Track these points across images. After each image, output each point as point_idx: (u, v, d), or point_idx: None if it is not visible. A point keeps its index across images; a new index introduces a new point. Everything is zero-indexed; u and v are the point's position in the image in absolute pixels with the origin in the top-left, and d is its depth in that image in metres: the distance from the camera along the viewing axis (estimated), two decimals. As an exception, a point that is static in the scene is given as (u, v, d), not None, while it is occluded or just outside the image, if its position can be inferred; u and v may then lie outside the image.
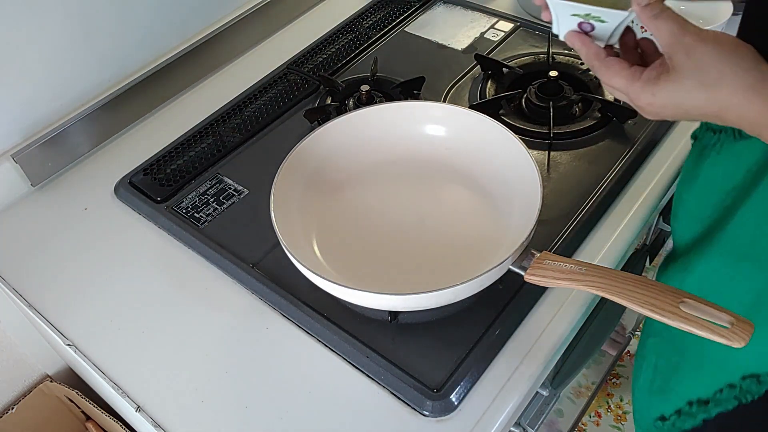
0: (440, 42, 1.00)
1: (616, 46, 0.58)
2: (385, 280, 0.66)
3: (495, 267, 0.58)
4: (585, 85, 0.88)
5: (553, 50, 0.93)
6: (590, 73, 0.90)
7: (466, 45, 0.99)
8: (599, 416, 1.47)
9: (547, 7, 0.54)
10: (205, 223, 0.77)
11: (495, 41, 0.98)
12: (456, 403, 0.59)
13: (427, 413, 0.59)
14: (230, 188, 0.81)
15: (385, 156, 0.76)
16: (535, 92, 0.85)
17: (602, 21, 0.54)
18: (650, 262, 1.01)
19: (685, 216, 0.72)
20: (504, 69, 0.92)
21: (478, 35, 1.00)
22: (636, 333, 1.57)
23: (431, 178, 0.75)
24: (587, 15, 0.54)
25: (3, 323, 0.86)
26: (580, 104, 0.86)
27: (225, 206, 0.79)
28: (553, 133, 0.81)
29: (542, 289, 0.67)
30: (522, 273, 0.59)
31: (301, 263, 0.60)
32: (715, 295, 0.56)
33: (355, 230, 0.71)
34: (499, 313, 0.65)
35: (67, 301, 0.73)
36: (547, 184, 0.77)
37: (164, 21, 0.93)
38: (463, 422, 0.59)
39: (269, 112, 0.91)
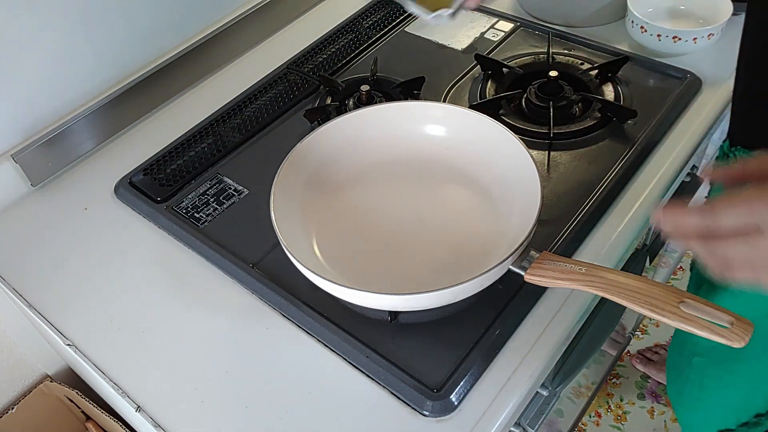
0: (440, 42, 1.00)
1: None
2: (385, 280, 0.66)
3: (495, 267, 0.58)
4: (585, 85, 0.88)
5: (553, 50, 0.93)
6: (590, 73, 0.90)
7: (466, 45, 0.99)
8: (599, 416, 1.47)
9: None
10: (205, 223, 0.77)
11: (495, 41, 0.98)
12: (456, 403, 0.59)
13: (427, 413, 0.59)
14: (230, 188, 0.81)
15: (385, 156, 0.76)
16: (535, 92, 0.85)
17: None
18: (650, 262, 1.01)
19: None
20: (504, 69, 0.92)
21: (478, 35, 1.00)
22: (636, 333, 1.57)
23: (431, 178, 0.75)
24: None
25: (3, 323, 0.86)
26: (580, 104, 0.86)
27: (225, 206, 0.79)
28: (553, 133, 0.81)
29: (542, 289, 0.67)
30: (522, 273, 0.59)
31: (301, 263, 0.60)
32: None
33: (355, 230, 0.71)
34: (499, 313, 0.65)
35: (67, 301, 0.73)
36: (547, 184, 0.77)
37: (164, 21, 0.93)
38: (463, 422, 0.59)
39: (269, 112, 0.91)
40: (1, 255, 0.79)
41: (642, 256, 0.93)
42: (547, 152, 0.81)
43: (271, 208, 0.65)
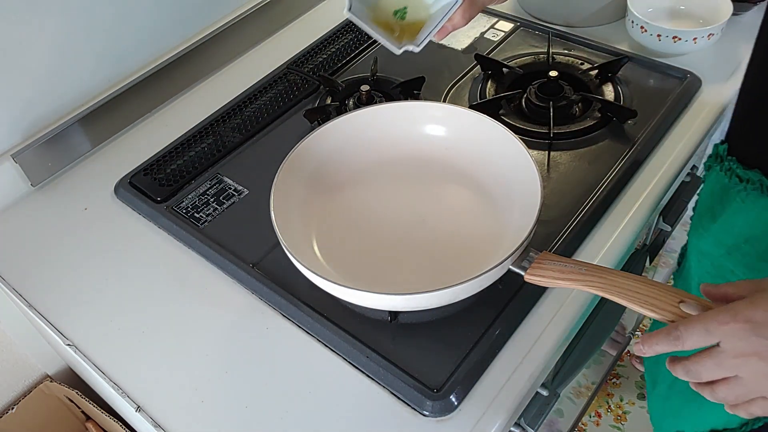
0: (440, 42, 1.00)
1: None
2: (385, 280, 0.66)
3: (495, 267, 0.58)
4: (585, 85, 0.88)
5: (553, 50, 0.93)
6: (590, 73, 0.90)
7: (466, 45, 0.99)
8: (599, 416, 1.47)
9: None
10: (205, 223, 0.77)
11: (495, 41, 0.98)
12: (456, 403, 0.59)
13: (427, 413, 0.59)
14: (230, 188, 0.81)
15: (385, 156, 0.76)
16: (535, 92, 0.85)
17: None
18: (650, 262, 1.01)
19: (696, 250, 0.73)
20: (504, 69, 0.92)
21: (478, 35, 1.00)
22: (636, 333, 1.57)
23: (431, 178, 0.75)
24: None
25: (3, 323, 0.86)
26: (580, 104, 0.86)
27: (225, 206, 0.79)
28: (553, 133, 0.81)
29: (542, 289, 0.67)
30: (522, 273, 0.59)
31: (301, 263, 0.60)
32: None
33: (355, 230, 0.71)
34: (499, 313, 0.65)
35: (67, 301, 0.73)
36: (547, 184, 0.77)
37: (164, 21, 0.93)
38: (463, 422, 0.59)
39: (269, 112, 0.91)
40: (1, 255, 0.79)
41: (642, 256, 0.93)
42: (547, 152, 0.81)
43: (271, 208, 0.65)
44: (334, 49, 1.00)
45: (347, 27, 1.04)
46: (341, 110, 0.87)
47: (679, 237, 1.65)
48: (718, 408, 0.72)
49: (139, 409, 0.63)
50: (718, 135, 1.34)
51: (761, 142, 0.64)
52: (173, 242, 0.77)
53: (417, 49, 0.57)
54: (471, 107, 0.76)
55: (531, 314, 0.66)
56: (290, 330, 0.68)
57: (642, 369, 1.52)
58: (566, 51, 0.95)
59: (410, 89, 0.90)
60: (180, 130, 0.89)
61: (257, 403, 0.62)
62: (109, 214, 0.82)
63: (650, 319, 0.50)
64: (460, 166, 0.75)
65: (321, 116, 0.87)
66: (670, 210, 0.91)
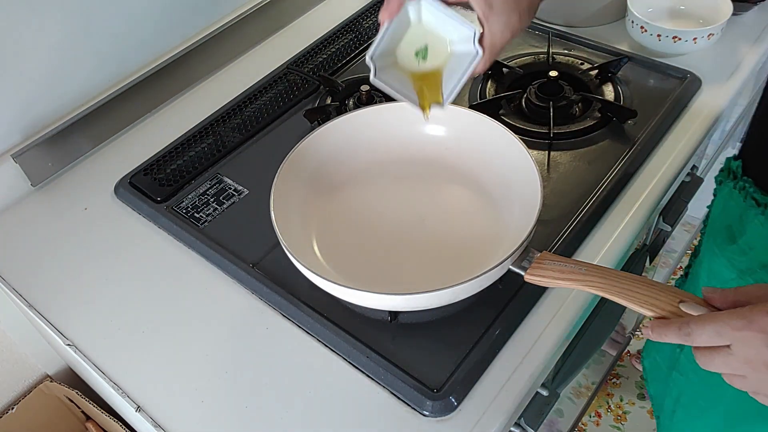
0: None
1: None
2: (385, 280, 0.66)
3: (495, 267, 0.58)
4: (585, 85, 0.88)
5: (553, 50, 0.93)
6: (590, 73, 0.90)
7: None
8: (599, 416, 1.47)
9: None
10: (205, 223, 0.77)
11: (495, 41, 0.98)
12: (456, 403, 0.59)
13: (427, 413, 0.59)
14: (230, 188, 0.81)
15: (385, 156, 0.76)
16: (535, 92, 0.85)
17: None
18: (650, 262, 1.01)
19: (708, 267, 0.73)
20: (504, 69, 0.92)
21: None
22: (636, 333, 1.57)
23: (431, 178, 0.75)
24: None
25: (3, 323, 0.86)
26: (580, 104, 0.86)
27: (225, 206, 0.79)
28: (553, 133, 0.81)
29: (542, 289, 0.67)
30: (522, 273, 0.59)
31: (301, 263, 0.60)
32: None
33: (355, 230, 0.71)
34: (499, 313, 0.65)
35: (67, 300, 0.73)
36: (547, 184, 0.77)
37: (164, 21, 0.93)
38: (463, 422, 0.59)
39: (269, 112, 0.91)
40: (1, 255, 0.79)
41: (642, 256, 0.93)
42: (547, 152, 0.81)
43: (271, 208, 0.65)
44: (334, 49, 1.00)
45: (347, 27, 1.04)
46: (341, 110, 0.87)
47: (679, 237, 1.66)
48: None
49: (139, 409, 0.63)
50: (718, 135, 1.35)
51: None
52: (173, 242, 0.77)
53: (443, 109, 0.59)
54: (471, 107, 0.76)
55: (531, 314, 0.66)
56: (290, 330, 0.67)
57: (641, 369, 1.52)
58: (566, 51, 0.95)
59: (410, 89, 0.89)
60: (180, 130, 0.89)
61: (257, 403, 0.62)
62: (109, 214, 0.82)
63: (650, 319, 0.50)
64: (460, 166, 0.75)
65: (321, 116, 0.87)
66: (670, 210, 0.91)
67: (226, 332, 0.68)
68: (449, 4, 0.55)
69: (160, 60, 0.93)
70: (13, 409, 0.90)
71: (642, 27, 0.90)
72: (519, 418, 0.72)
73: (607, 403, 1.50)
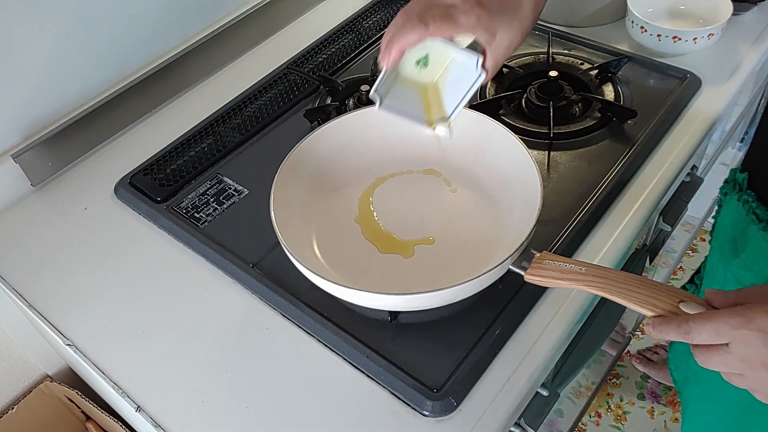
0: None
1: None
2: (385, 280, 0.66)
3: (495, 267, 0.58)
4: (585, 85, 0.88)
5: (553, 50, 0.93)
6: (590, 73, 0.90)
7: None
8: (599, 416, 1.47)
9: None
10: (205, 223, 0.77)
11: (495, 41, 0.98)
12: (456, 403, 0.59)
13: (427, 413, 0.59)
14: (230, 188, 0.81)
15: (385, 156, 0.76)
16: (535, 92, 0.85)
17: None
18: (650, 262, 1.01)
19: (713, 278, 0.73)
20: (504, 69, 0.92)
21: (478, 35, 1.00)
22: (636, 333, 1.57)
23: (431, 178, 0.75)
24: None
25: (3, 323, 0.86)
26: (580, 104, 0.86)
27: (225, 206, 0.79)
28: (553, 133, 0.81)
29: (542, 289, 0.67)
30: (522, 273, 0.59)
31: (301, 263, 0.60)
32: None
33: (355, 230, 0.71)
34: (499, 313, 0.65)
35: (67, 300, 0.73)
36: (547, 184, 0.77)
37: (164, 21, 0.93)
38: (463, 422, 0.59)
39: (269, 112, 0.91)
40: (1, 255, 0.79)
41: (642, 256, 0.93)
42: (547, 152, 0.81)
43: (271, 208, 0.65)
44: (334, 49, 1.00)
45: (347, 27, 1.04)
46: (341, 110, 0.87)
47: (679, 237, 1.66)
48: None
49: (139, 409, 0.63)
50: (718, 135, 1.34)
51: None
52: (173, 242, 0.77)
53: (449, 124, 0.59)
54: (471, 107, 0.76)
55: (531, 314, 0.66)
56: (290, 330, 0.67)
57: (642, 369, 1.52)
58: (566, 51, 0.95)
59: (410, 89, 0.89)
60: (180, 130, 0.89)
61: (257, 403, 0.62)
62: (109, 214, 0.82)
63: (650, 319, 0.50)
64: (460, 166, 0.75)
65: (321, 116, 0.87)
66: (670, 210, 0.91)
67: (226, 332, 0.68)
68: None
69: (160, 60, 0.93)
70: (13, 409, 0.90)
71: (642, 27, 0.90)
72: (519, 418, 0.72)
73: (607, 403, 1.50)
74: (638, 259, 0.90)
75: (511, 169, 0.69)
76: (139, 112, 0.94)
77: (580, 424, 1.45)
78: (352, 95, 0.89)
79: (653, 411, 1.48)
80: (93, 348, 0.69)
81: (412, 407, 0.60)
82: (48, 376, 0.95)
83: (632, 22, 0.92)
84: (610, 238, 0.72)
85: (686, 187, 0.93)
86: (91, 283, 0.74)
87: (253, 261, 0.72)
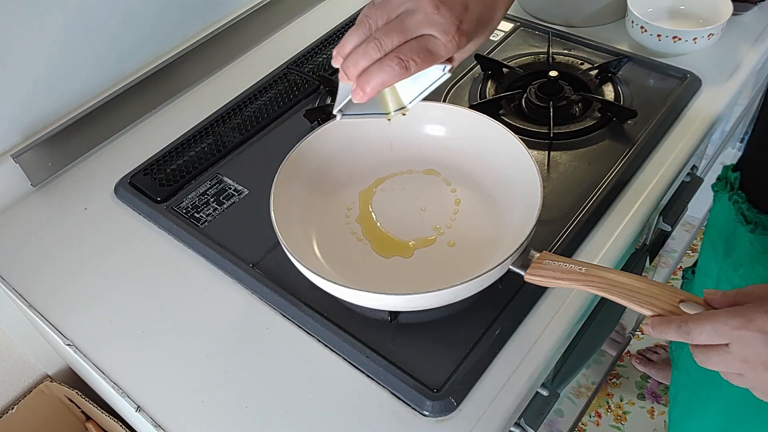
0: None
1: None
2: (385, 280, 0.66)
3: (495, 267, 0.58)
4: (585, 85, 0.88)
5: (553, 50, 0.93)
6: (590, 73, 0.90)
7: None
8: (599, 416, 1.47)
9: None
10: (205, 223, 0.77)
11: (495, 41, 0.98)
12: (456, 403, 0.59)
13: (427, 413, 0.59)
14: (230, 188, 0.81)
15: (385, 156, 0.76)
16: (535, 92, 0.85)
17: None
18: (650, 262, 1.01)
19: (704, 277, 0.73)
20: (504, 69, 0.92)
21: (478, 35, 1.00)
22: (636, 333, 1.57)
23: (431, 178, 0.75)
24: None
25: (3, 323, 0.86)
26: (580, 104, 0.86)
27: (225, 206, 0.79)
28: (553, 133, 0.81)
29: (542, 289, 0.67)
30: (522, 273, 0.59)
31: (301, 263, 0.60)
32: None
33: (356, 230, 0.71)
34: (499, 313, 0.65)
35: (67, 300, 0.73)
36: (547, 184, 0.77)
37: (164, 21, 0.93)
38: (463, 422, 0.59)
39: (269, 112, 0.91)
40: (1, 255, 0.79)
41: (642, 256, 0.93)
42: (547, 152, 0.81)
43: (271, 208, 0.65)
44: (334, 49, 1.00)
45: (347, 27, 1.04)
46: (341, 110, 0.87)
47: (679, 237, 1.66)
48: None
49: (139, 409, 0.63)
50: (718, 135, 1.34)
51: None
52: (173, 242, 0.77)
53: (404, 112, 0.59)
54: (471, 107, 0.76)
55: (531, 314, 0.66)
56: (290, 330, 0.68)
57: (642, 369, 1.52)
58: (566, 51, 0.95)
59: (410, 89, 0.89)
60: (180, 130, 0.89)
61: (257, 403, 0.62)
62: (109, 214, 0.82)
63: (650, 319, 0.51)
64: (460, 166, 0.75)
65: (321, 116, 0.87)
66: (670, 210, 0.91)
67: (226, 332, 0.68)
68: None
69: (160, 60, 0.93)
70: (13, 409, 0.90)
71: (642, 27, 0.90)
72: (519, 418, 0.72)
73: (607, 403, 1.50)
74: (638, 259, 0.90)
75: (511, 169, 0.69)
76: (139, 112, 0.94)
77: (580, 424, 1.45)
78: (339, 82, 0.89)
79: (653, 411, 1.48)
80: (93, 348, 0.69)
81: (412, 407, 0.60)
82: (48, 376, 0.95)
83: (632, 22, 0.92)
84: (610, 238, 0.72)
85: (686, 187, 0.93)
86: (91, 283, 0.74)
87: (253, 261, 0.72)
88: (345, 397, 0.62)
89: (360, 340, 0.64)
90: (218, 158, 0.85)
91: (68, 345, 0.69)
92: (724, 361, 0.43)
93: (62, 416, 0.95)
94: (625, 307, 0.53)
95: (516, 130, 0.79)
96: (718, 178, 0.74)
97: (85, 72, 0.87)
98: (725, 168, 0.73)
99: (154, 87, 0.93)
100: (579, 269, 0.55)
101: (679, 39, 0.88)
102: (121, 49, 0.90)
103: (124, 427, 0.82)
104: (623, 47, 0.95)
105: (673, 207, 0.91)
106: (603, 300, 0.72)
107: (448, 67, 0.53)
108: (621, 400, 1.50)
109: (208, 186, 0.82)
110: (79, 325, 0.71)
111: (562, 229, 0.72)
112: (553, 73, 0.84)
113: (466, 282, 0.57)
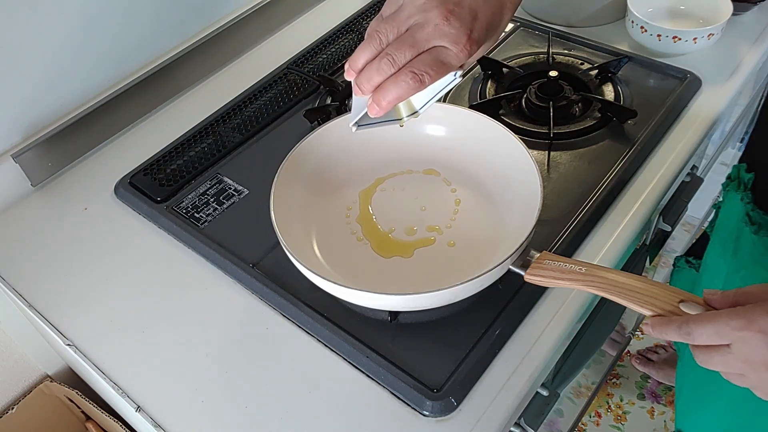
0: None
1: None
2: (385, 280, 0.66)
3: (495, 267, 0.58)
4: (585, 85, 0.88)
5: (553, 50, 0.93)
6: (590, 73, 0.90)
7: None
8: (599, 416, 1.47)
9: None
10: (205, 223, 0.77)
11: (495, 41, 0.98)
12: (456, 403, 0.59)
13: (427, 413, 0.59)
14: (230, 188, 0.81)
15: (385, 156, 0.76)
16: (535, 92, 0.85)
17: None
18: (650, 262, 1.01)
19: (710, 272, 0.73)
20: (504, 69, 0.92)
21: (478, 35, 1.00)
22: (636, 333, 1.57)
23: (431, 178, 0.75)
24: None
25: (3, 323, 0.86)
26: (580, 104, 0.86)
27: (225, 206, 0.79)
28: (553, 133, 0.81)
29: (542, 289, 0.67)
30: (522, 273, 0.59)
31: (301, 263, 0.60)
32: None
33: (356, 230, 0.71)
34: (499, 313, 0.65)
35: (67, 300, 0.73)
36: (547, 184, 0.77)
37: (164, 21, 0.93)
38: (463, 422, 0.59)
39: (269, 112, 0.91)
40: (1, 255, 0.79)
41: (642, 256, 0.93)
42: (547, 152, 0.81)
43: (271, 208, 0.65)
44: (334, 49, 1.00)
45: (347, 27, 1.04)
46: (341, 110, 0.87)
47: (679, 237, 1.66)
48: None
49: (139, 409, 0.63)
50: (718, 135, 1.34)
51: None
52: (173, 242, 0.77)
53: (416, 116, 0.59)
54: (471, 107, 0.76)
55: (531, 314, 0.66)
56: (290, 330, 0.68)
57: (642, 369, 1.52)
58: (566, 51, 0.95)
59: (410, 89, 0.89)
60: (180, 130, 0.89)
61: (257, 403, 0.62)
62: (109, 214, 0.82)
63: (650, 319, 0.51)
64: (460, 166, 0.75)
65: (321, 116, 0.87)
66: (670, 210, 0.91)
67: (226, 332, 0.68)
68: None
69: (160, 60, 0.93)
70: (13, 409, 0.90)
71: (642, 27, 0.90)
72: (519, 418, 0.72)
73: (607, 403, 1.50)
74: (638, 259, 0.90)
75: (511, 169, 0.69)
76: (139, 112, 0.94)
77: (580, 424, 1.45)
78: (352, 95, 0.89)
79: (653, 411, 1.48)
80: (93, 348, 0.69)
81: (412, 407, 0.60)
82: (48, 376, 0.95)
83: (632, 22, 0.92)
84: (610, 238, 0.72)
85: (686, 187, 0.93)
86: (91, 283, 0.74)
87: (253, 261, 0.72)
88: (345, 397, 0.62)
89: (360, 340, 0.64)
90: (218, 158, 0.85)
91: (68, 345, 0.69)
92: (725, 362, 0.43)
93: (62, 416, 0.95)
94: (625, 307, 0.53)
95: (516, 130, 0.79)
96: (729, 178, 0.74)
97: (85, 72, 0.87)
98: (736, 167, 0.73)
99: (154, 87, 0.93)
100: (579, 269, 0.55)
101: (679, 39, 0.88)
102: (121, 49, 0.90)
103: (124, 427, 0.82)
104: (623, 47, 0.95)
105: (673, 207, 0.91)
106: (603, 300, 0.72)
107: (460, 72, 0.53)
108: (621, 400, 1.50)
109: (208, 186, 0.82)
110: (79, 325, 0.71)
111: (562, 229, 0.72)
112: (553, 73, 0.84)
113: (466, 282, 0.57)
